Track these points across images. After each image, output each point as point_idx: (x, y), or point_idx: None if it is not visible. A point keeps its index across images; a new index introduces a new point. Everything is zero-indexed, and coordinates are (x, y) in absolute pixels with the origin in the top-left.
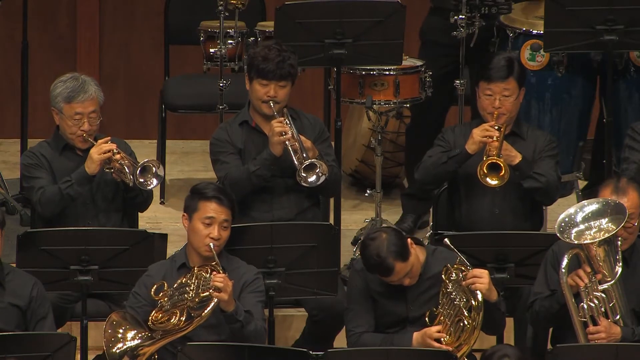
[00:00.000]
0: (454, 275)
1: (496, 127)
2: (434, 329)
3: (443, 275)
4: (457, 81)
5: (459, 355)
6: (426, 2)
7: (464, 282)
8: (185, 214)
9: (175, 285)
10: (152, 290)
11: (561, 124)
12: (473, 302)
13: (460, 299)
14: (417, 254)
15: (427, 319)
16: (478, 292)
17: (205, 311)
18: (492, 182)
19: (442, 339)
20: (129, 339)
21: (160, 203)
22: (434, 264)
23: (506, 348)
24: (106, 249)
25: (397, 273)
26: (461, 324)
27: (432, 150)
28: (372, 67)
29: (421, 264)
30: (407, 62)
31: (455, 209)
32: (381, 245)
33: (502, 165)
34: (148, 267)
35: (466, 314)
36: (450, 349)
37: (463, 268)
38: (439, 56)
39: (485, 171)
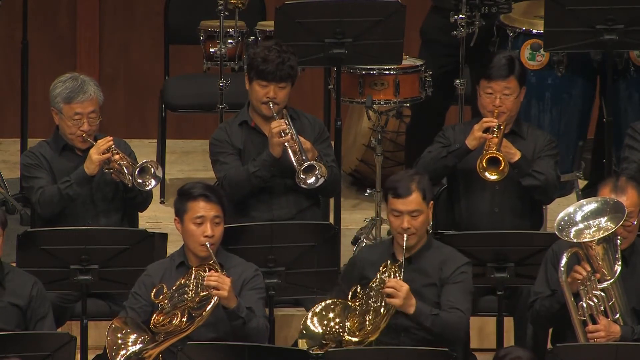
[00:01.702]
0: (385, 274)
1: (496, 125)
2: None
3: (381, 267)
4: (457, 81)
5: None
6: (426, 1)
7: (382, 290)
8: (176, 217)
9: (175, 287)
10: (152, 293)
11: (561, 124)
12: (381, 310)
13: (375, 301)
14: (429, 226)
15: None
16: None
17: (206, 310)
18: (491, 176)
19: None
20: (130, 344)
21: (160, 203)
22: (430, 257)
23: (518, 350)
24: (106, 248)
25: (410, 202)
26: (365, 321)
27: (432, 146)
28: (372, 67)
29: (423, 241)
30: (407, 61)
31: (455, 207)
32: (415, 175)
33: (501, 159)
34: (147, 267)
35: (370, 318)
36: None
37: (397, 272)
38: (439, 56)
39: (485, 165)
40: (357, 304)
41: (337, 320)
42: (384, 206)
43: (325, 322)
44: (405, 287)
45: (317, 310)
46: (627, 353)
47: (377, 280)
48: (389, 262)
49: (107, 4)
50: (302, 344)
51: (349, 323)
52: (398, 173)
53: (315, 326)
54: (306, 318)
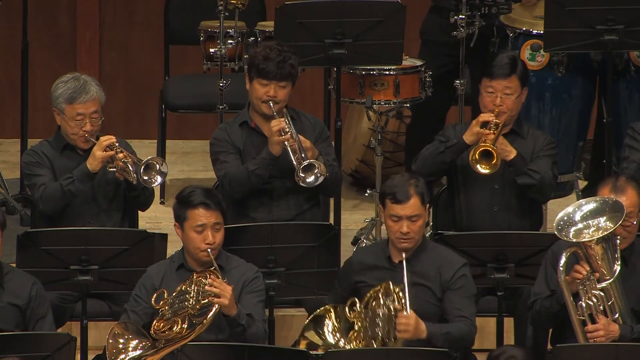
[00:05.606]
0: (390, 298)
1: (494, 122)
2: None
3: (381, 289)
4: (457, 81)
5: None
6: (426, 2)
7: (396, 324)
8: (176, 223)
9: (175, 293)
10: (152, 299)
11: (561, 124)
12: (392, 339)
13: (380, 329)
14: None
15: (347, 307)
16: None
17: (207, 318)
18: (483, 170)
19: None
20: (130, 349)
21: (160, 203)
22: (426, 258)
23: (513, 349)
24: (106, 248)
25: (409, 207)
26: (372, 343)
27: (431, 144)
28: (372, 67)
29: (419, 242)
30: (407, 62)
31: (455, 206)
32: (411, 179)
33: (494, 153)
34: (147, 269)
35: (377, 344)
36: None
37: (400, 296)
38: (439, 56)
39: (477, 157)
40: (359, 324)
41: (337, 330)
42: None
43: (324, 334)
44: (413, 317)
45: (312, 319)
46: (627, 353)
47: (383, 307)
48: (390, 284)
49: (107, 4)
50: (303, 345)
51: (354, 344)
52: (394, 177)
53: (315, 339)
54: (304, 329)
